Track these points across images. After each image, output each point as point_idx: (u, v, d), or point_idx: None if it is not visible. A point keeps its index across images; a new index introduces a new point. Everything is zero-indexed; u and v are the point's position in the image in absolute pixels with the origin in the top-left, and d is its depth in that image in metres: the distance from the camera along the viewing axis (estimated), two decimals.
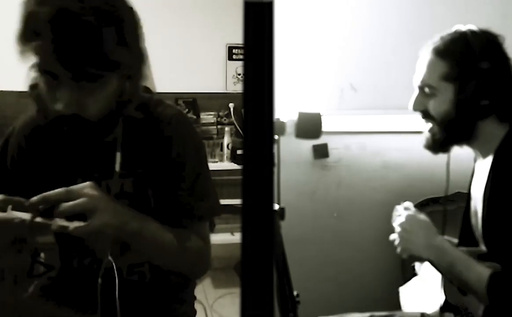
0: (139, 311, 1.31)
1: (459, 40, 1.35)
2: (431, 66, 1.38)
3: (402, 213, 1.45)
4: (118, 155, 1.21)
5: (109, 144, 1.23)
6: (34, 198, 1.04)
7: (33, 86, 1.15)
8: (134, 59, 1.14)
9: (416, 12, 2.54)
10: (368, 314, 1.59)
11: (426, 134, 1.43)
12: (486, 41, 1.34)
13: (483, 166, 1.39)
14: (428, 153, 1.45)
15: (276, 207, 1.36)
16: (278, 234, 1.37)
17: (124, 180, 1.24)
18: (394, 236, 1.44)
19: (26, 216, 1.03)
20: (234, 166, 3.24)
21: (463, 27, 1.37)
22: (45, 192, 1.06)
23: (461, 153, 1.45)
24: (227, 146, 3.34)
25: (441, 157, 1.47)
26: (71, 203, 1.04)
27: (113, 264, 1.17)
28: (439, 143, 1.41)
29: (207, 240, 1.33)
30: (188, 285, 1.46)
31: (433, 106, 1.39)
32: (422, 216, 1.40)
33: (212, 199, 1.32)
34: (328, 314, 1.59)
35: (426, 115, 1.41)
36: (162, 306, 1.36)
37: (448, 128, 1.38)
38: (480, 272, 1.26)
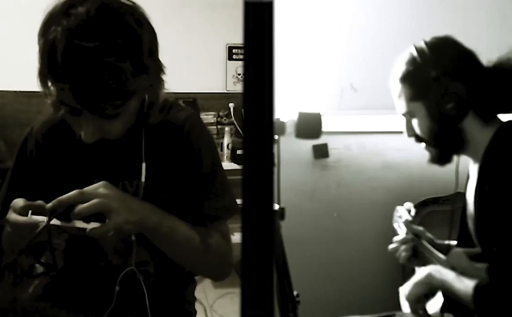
0: (145, 311, 1.31)
1: (409, 60, 1.41)
2: (399, 93, 1.44)
3: (403, 213, 1.46)
4: (144, 166, 1.20)
5: (130, 150, 1.22)
6: (50, 204, 1.03)
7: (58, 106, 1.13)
8: (153, 77, 1.12)
9: (416, 12, 2.54)
10: None
11: (426, 152, 1.48)
12: (429, 48, 1.38)
13: (475, 170, 1.41)
14: (428, 153, 1.47)
15: (276, 207, 1.36)
16: (278, 234, 1.37)
17: (138, 181, 1.23)
18: (395, 241, 1.44)
19: (44, 219, 1.04)
20: (234, 166, 3.24)
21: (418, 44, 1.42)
22: (63, 190, 1.06)
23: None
24: (227, 146, 3.34)
25: None
26: (85, 204, 1.02)
27: (137, 272, 1.19)
28: (438, 158, 1.45)
29: (228, 238, 1.30)
30: (189, 285, 1.46)
31: (417, 128, 1.44)
32: (417, 280, 1.41)
33: (229, 198, 1.30)
34: (328, 314, 1.59)
35: (418, 138, 1.46)
36: (165, 305, 1.36)
37: (438, 142, 1.42)
38: (467, 285, 1.28)
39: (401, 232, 1.61)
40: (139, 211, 1.10)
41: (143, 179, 1.19)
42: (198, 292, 1.50)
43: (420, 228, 1.60)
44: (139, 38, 1.05)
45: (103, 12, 1.01)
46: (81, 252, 1.34)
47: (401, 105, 1.45)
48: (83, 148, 1.21)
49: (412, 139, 1.49)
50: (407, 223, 1.58)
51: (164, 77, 1.18)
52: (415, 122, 1.44)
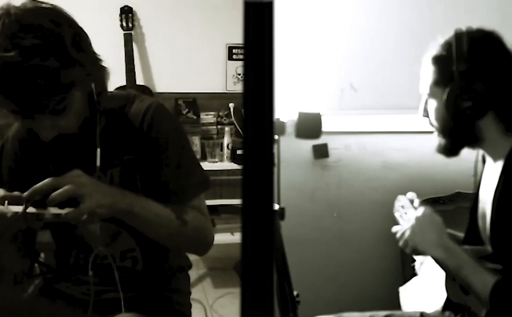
0: (134, 299, 1.32)
1: (445, 45, 1.36)
2: (426, 72, 1.40)
3: (405, 203, 1.45)
4: (98, 151, 1.25)
5: (91, 141, 1.26)
6: (25, 193, 1.09)
7: None
8: (87, 67, 1.17)
9: (416, 12, 2.54)
10: (368, 313, 1.58)
11: (436, 140, 1.44)
12: (469, 41, 1.33)
13: (494, 169, 1.38)
14: (428, 153, 1.46)
15: (276, 207, 1.36)
16: (278, 234, 1.37)
17: (112, 170, 1.28)
18: (397, 228, 1.43)
19: (20, 208, 1.08)
20: (234, 166, 3.24)
21: (460, 29, 1.36)
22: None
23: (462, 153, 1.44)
24: (227, 146, 3.33)
25: (441, 157, 1.47)
26: (59, 190, 1.08)
27: (105, 253, 1.23)
28: (446, 150, 1.42)
29: (205, 212, 1.35)
30: (180, 273, 1.48)
31: (432, 113, 1.41)
32: (437, 216, 1.39)
33: (199, 174, 1.35)
34: (328, 314, 1.59)
35: (430, 123, 1.43)
36: (155, 293, 1.38)
37: (449, 134, 1.39)
38: (486, 279, 1.25)
39: (403, 222, 1.59)
40: (111, 194, 1.15)
41: (98, 163, 1.24)
42: (198, 292, 1.51)
43: None
44: (59, 36, 1.10)
45: (15, 25, 1.07)
46: (71, 250, 1.37)
47: (425, 85, 1.41)
48: (55, 146, 1.25)
49: (421, 129, 1.45)
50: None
51: (104, 64, 1.23)
52: (432, 106, 1.41)
